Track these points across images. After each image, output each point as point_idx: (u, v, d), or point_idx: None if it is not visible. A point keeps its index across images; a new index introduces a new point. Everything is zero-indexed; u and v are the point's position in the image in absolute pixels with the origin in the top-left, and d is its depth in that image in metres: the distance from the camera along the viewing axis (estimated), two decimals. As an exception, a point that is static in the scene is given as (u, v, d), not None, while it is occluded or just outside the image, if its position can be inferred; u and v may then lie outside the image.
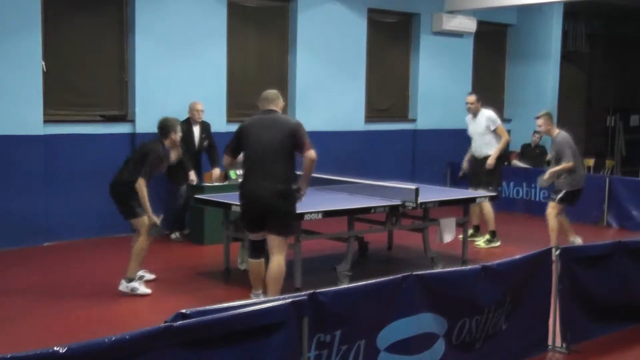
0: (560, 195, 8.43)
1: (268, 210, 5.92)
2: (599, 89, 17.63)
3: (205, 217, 8.74)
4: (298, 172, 6.14)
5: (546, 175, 8.47)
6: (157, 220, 6.70)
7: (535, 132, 11.98)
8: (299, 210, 6.21)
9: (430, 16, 12.47)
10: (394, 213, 7.35)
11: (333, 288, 3.97)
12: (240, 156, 6.21)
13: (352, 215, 7.14)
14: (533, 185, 11.11)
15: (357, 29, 11.51)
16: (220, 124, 9.86)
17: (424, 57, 12.56)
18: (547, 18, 13.79)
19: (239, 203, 6.22)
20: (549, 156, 9.46)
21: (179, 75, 9.58)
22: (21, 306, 6.32)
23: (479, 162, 9.23)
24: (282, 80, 10.77)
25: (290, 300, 3.65)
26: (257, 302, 3.68)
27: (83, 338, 3.07)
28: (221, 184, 8.80)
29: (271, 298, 3.90)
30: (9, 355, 2.66)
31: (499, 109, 12.59)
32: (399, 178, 8.82)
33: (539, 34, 13.94)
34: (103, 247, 8.70)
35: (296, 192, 6.03)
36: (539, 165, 11.81)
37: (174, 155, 7.09)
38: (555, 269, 5.27)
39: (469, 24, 12.69)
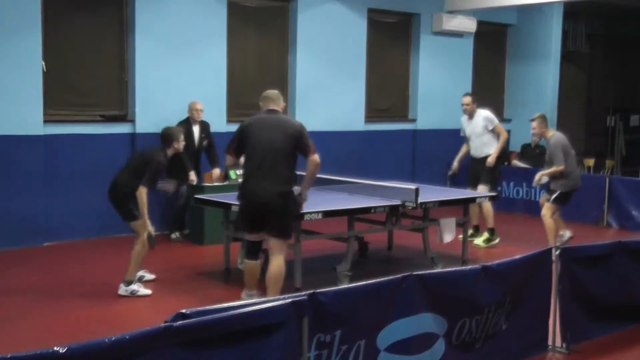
0: (554, 196, 8.47)
1: (267, 210, 5.89)
2: (599, 89, 17.62)
3: (205, 217, 8.74)
4: (298, 173, 6.13)
5: (537, 177, 8.57)
6: (152, 230, 6.66)
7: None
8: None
9: (430, 16, 12.47)
10: (394, 213, 7.35)
11: (333, 288, 3.97)
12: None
13: (352, 215, 7.14)
14: (533, 185, 11.11)
15: (357, 29, 11.51)
16: (220, 124, 9.86)
17: (424, 57, 12.55)
18: (547, 18, 13.78)
19: (238, 203, 6.20)
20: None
21: (179, 75, 9.58)
22: (21, 306, 6.32)
23: (478, 162, 9.23)
24: (282, 80, 10.77)
25: (290, 300, 3.65)
26: (257, 302, 3.67)
27: (83, 338, 3.07)
28: (221, 184, 8.80)
29: (271, 298, 3.90)
30: (9, 355, 2.66)
31: (498, 109, 12.63)
32: (399, 178, 8.81)
33: (539, 34, 13.93)
34: (103, 247, 8.70)
35: (297, 197, 6.00)
36: (539, 165, 11.77)
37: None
38: (555, 269, 5.27)
39: (469, 24, 12.68)
